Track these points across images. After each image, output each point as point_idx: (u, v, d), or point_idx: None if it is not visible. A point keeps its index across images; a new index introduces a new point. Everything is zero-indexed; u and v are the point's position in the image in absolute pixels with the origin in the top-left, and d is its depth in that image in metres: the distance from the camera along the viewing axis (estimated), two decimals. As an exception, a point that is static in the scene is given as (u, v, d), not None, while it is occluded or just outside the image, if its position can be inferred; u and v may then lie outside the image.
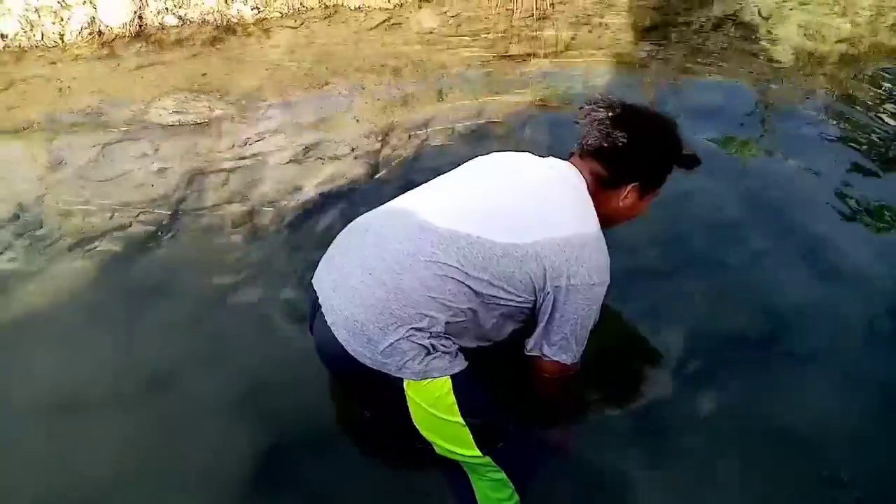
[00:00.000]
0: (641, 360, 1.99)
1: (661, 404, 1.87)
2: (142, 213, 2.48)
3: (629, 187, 1.56)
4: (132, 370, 1.91)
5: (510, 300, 1.44)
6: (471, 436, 1.41)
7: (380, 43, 3.77)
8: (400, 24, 3.99)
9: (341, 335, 1.38)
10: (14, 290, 2.17)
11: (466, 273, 1.37)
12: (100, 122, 3.02)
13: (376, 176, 2.75)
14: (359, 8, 4.08)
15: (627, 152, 1.51)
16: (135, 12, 3.77)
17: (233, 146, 2.88)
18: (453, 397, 1.38)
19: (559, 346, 1.49)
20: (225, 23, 3.92)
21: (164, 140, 2.90)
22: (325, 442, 1.77)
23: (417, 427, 1.43)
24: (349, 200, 2.61)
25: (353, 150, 2.87)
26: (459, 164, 2.73)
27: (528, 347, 1.53)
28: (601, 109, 1.54)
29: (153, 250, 2.34)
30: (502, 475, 1.47)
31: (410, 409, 1.40)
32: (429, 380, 1.37)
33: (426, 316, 1.36)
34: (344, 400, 1.83)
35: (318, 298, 1.46)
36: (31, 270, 2.24)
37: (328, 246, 2.33)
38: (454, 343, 1.43)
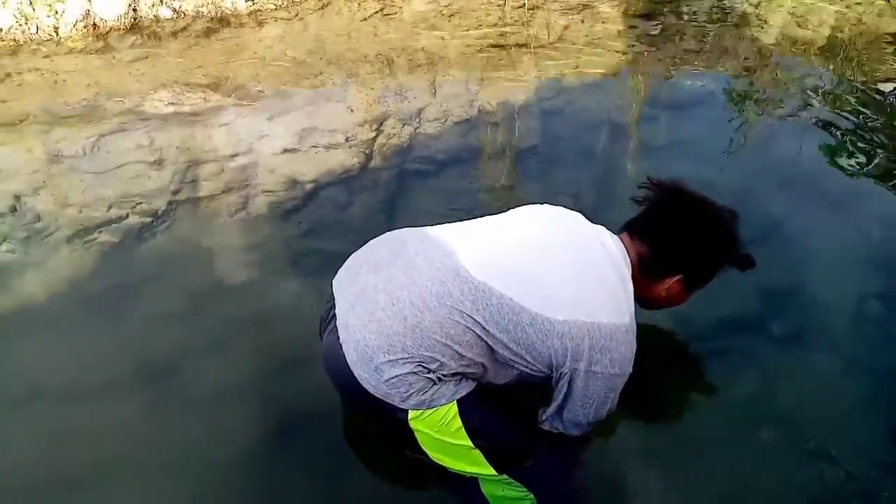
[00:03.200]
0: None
1: (652, 391, 1.90)
2: (139, 205, 2.50)
3: (674, 279, 1.49)
4: (131, 359, 1.92)
5: (525, 366, 1.39)
6: (483, 457, 1.38)
7: (373, 33, 3.79)
8: (393, 14, 4.01)
9: (350, 356, 1.35)
10: (13, 281, 2.19)
11: (488, 330, 1.33)
12: (95, 114, 3.03)
13: (370, 164, 2.77)
14: (352, -2, 4.10)
15: (679, 244, 1.46)
16: (129, 5, 3.78)
17: (228, 137, 2.90)
18: (459, 421, 1.35)
19: (571, 422, 1.44)
20: (219, 14, 3.94)
21: (160, 131, 2.92)
22: (327, 430, 1.77)
23: (425, 450, 1.40)
24: (344, 188, 2.63)
25: (347, 139, 2.89)
26: (451, 153, 2.84)
27: (541, 419, 1.48)
28: (661, 192, 1.47)
29: (150, 241, 2.36)
30: (523, 490, 1.43)
31: (416, 436, 1.38)
32: (434, 408, 1.34)
33: (437, 360, 1.32)
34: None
35: (334, 306, 1.43)
36: (30, 262, 2.26)
37: (323, 233, 2.41)
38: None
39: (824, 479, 1.66)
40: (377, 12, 4.00)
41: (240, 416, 1.79)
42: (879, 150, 2.87)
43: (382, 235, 1.53)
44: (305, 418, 1.79)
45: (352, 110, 3.11)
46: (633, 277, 1.44)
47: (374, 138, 2.91)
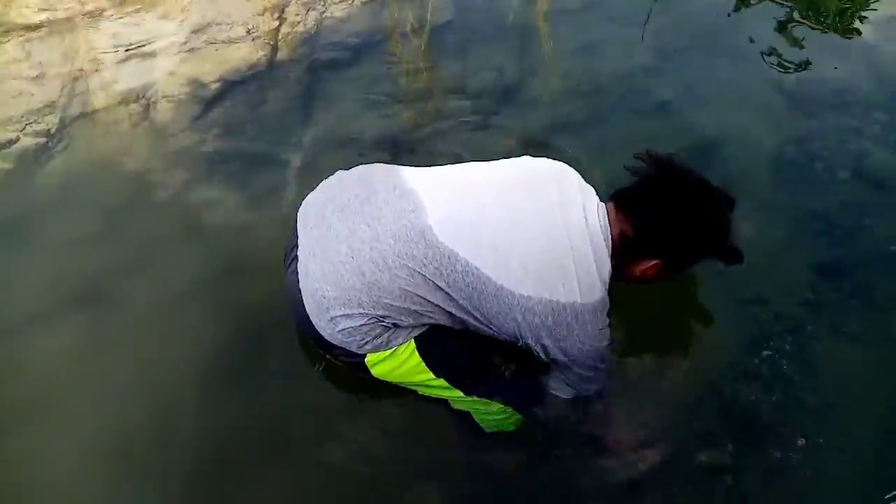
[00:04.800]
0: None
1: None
2: (28, 125, 2.27)
3: (651, 263, 1.37)
4: (53, 289, 1.81)
5: (489, 332, 1.36)
6: (448, 383, 1.40)
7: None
8: None
9: (308, 304, 1.34)
10: None
11: (451, 296, 1.29)
12: (-46, 29, 2.68)
13: (277, 57, 2.59)
14: None
15: (663, 233, 1.33)
16: None
17: (114, 41, 2.63)
18: (418, 357, 1.36)
19: (555, 387, 1.44)
20: None
21: (35, 43, 2.61)
22: (276, 341, 1.70)
23: (390, 382, 1.42)
24: (253, 85, 2.47)
25: (248, 31, 2.67)
26: (363, 36, 2.68)
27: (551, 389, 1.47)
28: (655, 167, 1.35)
29: (49, 163, 2.16)
30: (495, 405, 1.46)
31: (378, 376, 1.39)
32: (392, 349, 1.35)
33: (392, 318, 1.31)
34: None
35: (297, 244, 1.39)
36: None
37: (239, 135, 2.27)
38: None
39: (758, 321, 1.76)
40: None
41: (179, 334, 1.73)
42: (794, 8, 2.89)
43: (355, 170, 1.46)
44: (252, 329, 1.73)
45: (248, -1, 2.86)
46: (613, 252, 1.35)
47: (278, 28, 2.70)
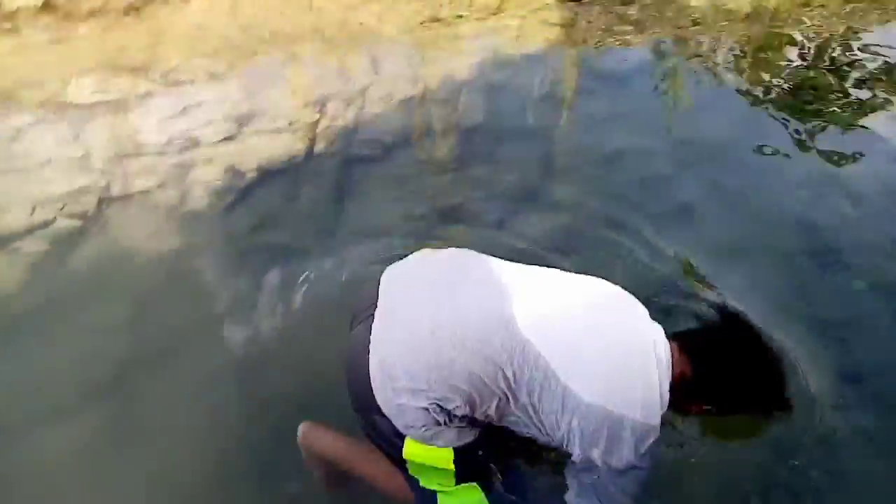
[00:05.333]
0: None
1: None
2: (66, 206, 2.34)
3: (702, 407, 1.42)
4: (74, 379, 1.81)
5: (538, 433, 1.35)
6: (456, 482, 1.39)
7: (307, 8, 3.61)
8: (328, -14, 3.83)
9: (373, 365, 1.31)
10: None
11: (512, 387, 1.29)
12: (11, 104, 2.80)
13: (315, 150, 2.66)
14: (283, -31, 3.89)
15: (723, 392, 1.39)
16: (38, -18, 3.50)
17: (160, 126, 2.73)
18: (453, 466, 1.35)
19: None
20: (140, -10, 3.68)
21: (85, 122, 2.72)
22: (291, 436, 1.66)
23: (405, 464, 1.39)
24: (289, 178, 2.54)
25: (290, 123, 2.77)
26: (397, 134, 2.75)
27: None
28: (723, 322, 1.42)
29: (82, 246, 2.21)
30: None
31: (405, 456, 1.36)
32: (431, 446, 1.33)
33: (451, 400, 1.30)
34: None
35: (376, 304, 1.38)
36: (-53, 276, 2.09)
37: (270, 227, 2.31)
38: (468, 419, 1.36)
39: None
40: (311, -16, 3.82)
41: (195, 435, 1.71)
42: (802, 114, 2.94)
43: (447, 250, 1.49)
44: (268, 430, 1.71)
45: (292, 92, 2.96)
46: (671, 388, 1.36)
47: (317, 121, 2.79)
